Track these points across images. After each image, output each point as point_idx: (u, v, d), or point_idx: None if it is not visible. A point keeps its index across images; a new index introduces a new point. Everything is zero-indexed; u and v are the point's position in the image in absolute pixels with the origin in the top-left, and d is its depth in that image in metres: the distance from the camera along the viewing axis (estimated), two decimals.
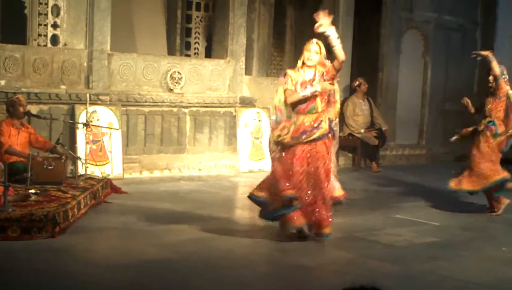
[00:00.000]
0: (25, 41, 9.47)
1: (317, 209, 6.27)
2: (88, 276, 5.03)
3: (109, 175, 9.22)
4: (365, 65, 13.40)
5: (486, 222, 7.88)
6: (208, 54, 11.85)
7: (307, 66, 6.45)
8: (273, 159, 6.51)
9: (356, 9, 12.67)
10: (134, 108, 10.02)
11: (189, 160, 10.51)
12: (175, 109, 10.39)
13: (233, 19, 10.97)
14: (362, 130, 12.05)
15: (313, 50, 6.38)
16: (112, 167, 9.49)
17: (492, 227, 7.66)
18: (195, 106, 10.58)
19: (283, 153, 6.39)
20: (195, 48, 12.15)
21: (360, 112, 12.22)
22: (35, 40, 9.45)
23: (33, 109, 8.76)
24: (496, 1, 14.69)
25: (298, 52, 13.13)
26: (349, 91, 12.59)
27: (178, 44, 11.76)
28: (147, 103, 10.10)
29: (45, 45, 9.47)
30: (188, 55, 11.89)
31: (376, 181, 10.70)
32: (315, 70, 6.43)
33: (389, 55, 13.30)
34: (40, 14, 9.43)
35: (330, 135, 6.42)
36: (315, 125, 6.34)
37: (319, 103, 6.38)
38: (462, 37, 14.44)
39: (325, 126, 6.36)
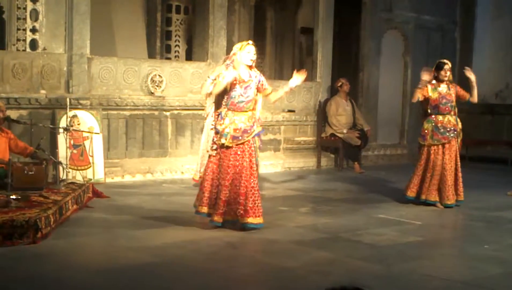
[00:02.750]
0: (4, 46, 9.41)
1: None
2: (70, 282, 5.00)
3: (90, 179, 9.18)
4: (346, 66, 13.46)
5: (468, 220, 7.93)
6: (189, 57, 11.84)
7: (247, 66, 6.66)
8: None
9: (336, 10, 12.71)
10: (115, 112, 9.98)
11: (171, 163, 10.49)
12: (156, 113, 10.36)
13: (213, 22, 10.95)
14: (345, 131, 12.05)
15: (253, 51, 6.63)
16: (94, 172, 9.45)
17: (473, 225, 7.70)
18: (177, 109, 10.55)
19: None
20: (175, 51, 12.16)
21: (343, 112, 12.22)
22: (14, 45, 9.38)
23: (13, 114, 8.69)
24: (475, 1, 14.81)
25: (278, 54, 13.20)
26: (331, 92, 12.62)
27: (158, 47, 11.75)
28: (128, 107, 10.06)
29: (24, 50, 9.41)
30: (169, 58, 11.89)
31: (358, 182, 10.73)
32: (249, 70, 6.70)
33: (370, 56, 13.35)
34: (18, 18, 9.37)
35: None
36: (253, 123, 6.68)
37: (254, 101, 6.73)
38: (441, 37, 14.56)
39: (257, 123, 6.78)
